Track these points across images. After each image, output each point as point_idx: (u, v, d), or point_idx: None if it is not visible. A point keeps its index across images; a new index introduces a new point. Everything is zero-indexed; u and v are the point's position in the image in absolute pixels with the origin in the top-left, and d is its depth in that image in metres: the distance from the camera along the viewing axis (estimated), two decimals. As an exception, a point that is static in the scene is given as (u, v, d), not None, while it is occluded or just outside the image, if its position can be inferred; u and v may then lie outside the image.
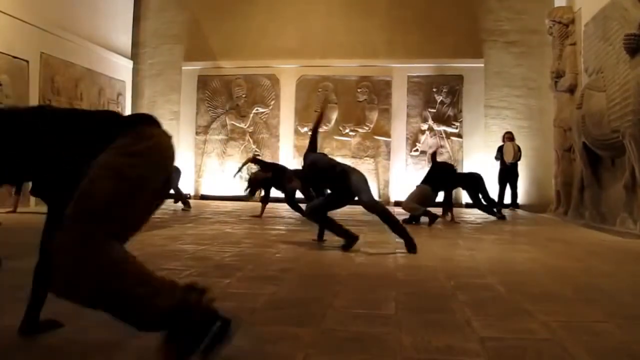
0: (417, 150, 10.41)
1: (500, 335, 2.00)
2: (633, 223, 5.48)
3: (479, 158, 10.02)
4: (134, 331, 1.93)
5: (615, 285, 3.06)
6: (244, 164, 8.61)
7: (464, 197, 10.12)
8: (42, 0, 8.36)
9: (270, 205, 9.49)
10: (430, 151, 9.13)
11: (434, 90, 10.39)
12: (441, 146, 10.20)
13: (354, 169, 4.37)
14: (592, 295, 2.74)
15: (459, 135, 10.33)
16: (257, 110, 10.97)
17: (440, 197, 7.20)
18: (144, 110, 11.40)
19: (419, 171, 10.38)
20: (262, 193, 7.51)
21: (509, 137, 9.12)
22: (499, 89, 10.35)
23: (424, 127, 10.40)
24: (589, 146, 6.63)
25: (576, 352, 1.80)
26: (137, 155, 1.48)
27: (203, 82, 11.15)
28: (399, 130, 10.53)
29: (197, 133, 11.14)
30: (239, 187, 10.79)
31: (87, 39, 9.53)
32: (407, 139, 10.50)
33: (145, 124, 1.58)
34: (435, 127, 10.37)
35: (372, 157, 10.41)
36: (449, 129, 10.35)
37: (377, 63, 10.60)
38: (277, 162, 8.84)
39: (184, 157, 11.14)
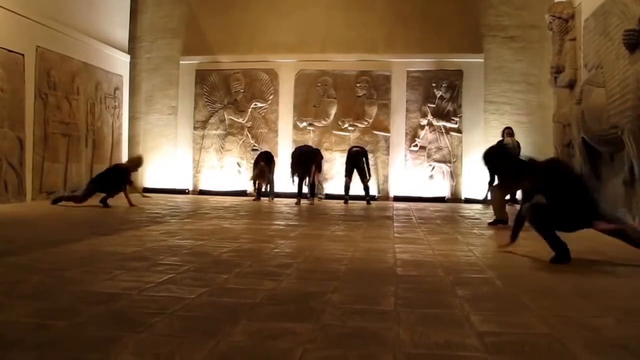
0: (416, 145, 10.39)
1: (498, 330, 2.00)
2: (631, 218, 5.48)
3: (478, 153, 10.00)
4: (130, 327, 1.93)
5: (614, 280, 3.07)
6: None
7: (463, 193, 10.13)
8: (39, -7, 8.30)
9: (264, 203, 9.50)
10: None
11: (434, 85, 10.35)
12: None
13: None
14: (590, 290, 2.74)
15: (459, 131, 10.32)
16: (255, 105, 10.92)
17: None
18: (141, 104, 11.37)
19: (417, 166, 10.38)
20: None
21: (508, 132, 9.11)
22: (499, 84, 10.32)
23: (424, 122, 10.37)
24: (588, 142, 6.62)
25: (575, 347, 1.80)
26: None
27: (201, 76, 11.09)
28: (398, 125, 10.51)
29: (195, 128, 11.09)
30: (237, 182, 10.80)
31: (84, 33, 9.46)
32: (407, 134, 10.48)
33: None
34: (435, 122, 10.34)
35: (371, 152, 10.37)
36: (449, 124, 10.33)
37: (377, 58, 10.55)
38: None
39: (181, 153, 11.12)
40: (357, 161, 9.32)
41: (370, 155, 10.28)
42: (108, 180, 7.46)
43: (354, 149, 9.60)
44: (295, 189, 9.11)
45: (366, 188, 9.34)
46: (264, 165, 9.40)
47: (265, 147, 10.49)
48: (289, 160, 9.45)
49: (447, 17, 10.29)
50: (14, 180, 7.66)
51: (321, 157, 9.59)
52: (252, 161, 10.09)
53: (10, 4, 7.55)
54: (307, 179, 9.25)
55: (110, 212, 6.84)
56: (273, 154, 10.02)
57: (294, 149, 9.74)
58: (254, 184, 9.77)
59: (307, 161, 9.09)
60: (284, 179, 9.97)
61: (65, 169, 8.91)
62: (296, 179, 9.07)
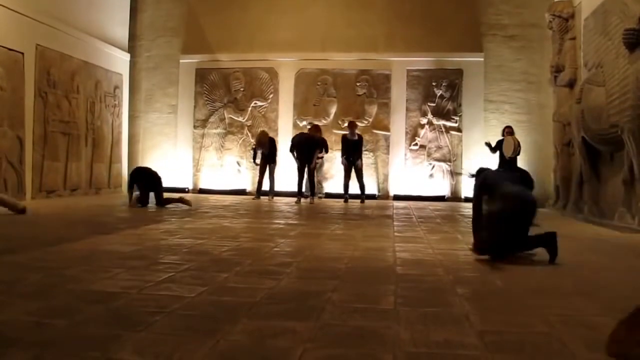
0: (416, 144, 10.38)
1: (498, 329, 2.00)
2: (631, 217, 5.48)
3: (478, 152, 10.01)
4: (130, 325, 1.93)
5: (614, 279, 3.07)
6: None
7: (463, 192, 10.14)
8: (38, -9, 8.28)
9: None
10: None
11: (434, 84, 10.34)
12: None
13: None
14: (590, 289, 2.74)
15: (459, 130, 10.31)
16: (255, 103, 10.91)
17: None
18: (141, 103, 11.35)
19: (417, 165, 10.37)
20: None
21: (508, 131, 9.09)
22: (499, 83, 10.31)
23: (424, 121, 10.36)
24: (588, 141, 6.62)
25: (574, 346, 1.80)
26: None
27: (201, 75, 11.08)
28: (398, 124, 10.50)
29: (195, 127, 11.08)
30: (237, 181, 10.80)
31: (84, 31, 9.44)
32: (407, 133, 10.47)
33: None
34: (435, 121, 10.33)
35: (371, 151, 10.37)
36: (449, 123, 10.32)
37: (377, 57, 10.54)
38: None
39: (181, 151, 11.12)
40: (353, 145, 9.28)
41: (370, 154, 10.28)
42: (143, 180, 7.41)
43: (349, 134, 9.48)
44: (295, 187, 9.10)
45: (362, 187, 9.31)
46: (265, 131, 9.48)
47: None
48: (289, 153, 9.43)
49: (447, 16, 10.28)
50: (14, 179, 7.65)
51: (325, 143, 9.56)
52: (251, 161, 9.92)
53: (10, 3, 7.53)
54: (308, 167, 9.14)
55: (110, 211, 6.84)
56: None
57: (294, 135, 9.69)
58: (254, 155, 9.63)
59: (307, 148, 9.03)
60: (284, 179, 9.97)
61: (65, 167, 8.90)
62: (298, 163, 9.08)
